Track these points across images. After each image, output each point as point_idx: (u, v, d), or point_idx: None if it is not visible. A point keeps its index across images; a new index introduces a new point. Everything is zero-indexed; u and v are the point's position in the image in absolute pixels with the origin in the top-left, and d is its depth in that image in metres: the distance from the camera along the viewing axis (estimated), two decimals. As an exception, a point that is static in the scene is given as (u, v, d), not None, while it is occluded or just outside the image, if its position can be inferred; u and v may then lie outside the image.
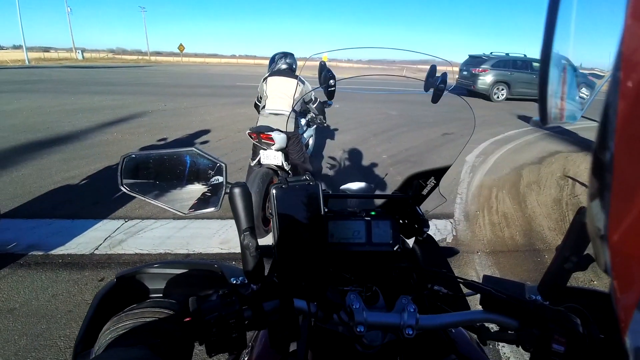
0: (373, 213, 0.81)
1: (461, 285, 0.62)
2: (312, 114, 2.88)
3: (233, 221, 0.54)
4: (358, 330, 0.50)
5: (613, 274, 0.19)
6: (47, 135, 5.43)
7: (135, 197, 0.54)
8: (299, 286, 0.53)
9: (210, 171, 0.61)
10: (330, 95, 0.89)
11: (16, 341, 1.74)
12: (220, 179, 0.60)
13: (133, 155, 0.59)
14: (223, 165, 0.59)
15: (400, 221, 0.83)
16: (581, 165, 5.00)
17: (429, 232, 0.81)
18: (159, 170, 0.60)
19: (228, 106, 8.67)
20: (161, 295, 0.58)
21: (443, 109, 5.74)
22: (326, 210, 0.70)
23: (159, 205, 0.60)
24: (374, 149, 5.17)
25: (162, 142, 5.37)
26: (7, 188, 3.48)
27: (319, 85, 0.92)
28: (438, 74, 0.86)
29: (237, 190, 0.53)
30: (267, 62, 3.00)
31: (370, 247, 0.78)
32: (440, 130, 6.54)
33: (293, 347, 0.58)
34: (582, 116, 0.28)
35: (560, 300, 0.53)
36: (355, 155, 4.27)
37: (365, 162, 4.48)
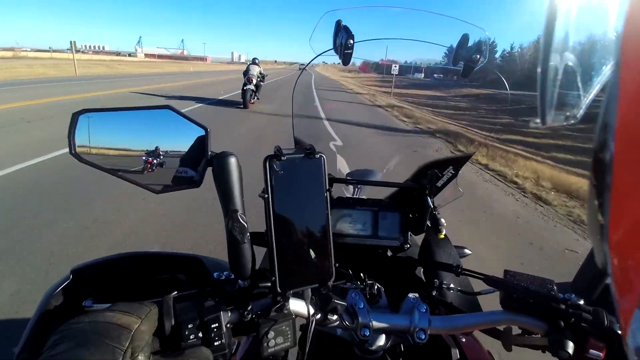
0: (382, 203, 0.73)
1: (471, 283, 0.57)
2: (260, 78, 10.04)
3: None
4: (362, 333, 0.45)
5: (613, 273, 0.19)
6: None
7: (92, 167, 0.41)
8: (296, 282, 0.45)
9: (186, 137, 0.45)
10: (346, 58, 0.69)
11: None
12: (199, 148, 0.44)
13: (89, 113, 0.42)
14: (205, 130, 0.44)
15: (410, 215, 0.73)
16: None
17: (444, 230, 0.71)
18: (122, 135, 0.45)
19: None
20: (126, 294, 0.48)
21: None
22: (330, 190, 0.56)
23: (124, 179, 0.44)
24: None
25: None
26: None
27: (332, 48, 0.71)
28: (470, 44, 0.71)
29: (228, 161, 0.41)
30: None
31: (376, 241, 0.70)
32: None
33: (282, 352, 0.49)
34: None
35: (598, 299, 0.47)
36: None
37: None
